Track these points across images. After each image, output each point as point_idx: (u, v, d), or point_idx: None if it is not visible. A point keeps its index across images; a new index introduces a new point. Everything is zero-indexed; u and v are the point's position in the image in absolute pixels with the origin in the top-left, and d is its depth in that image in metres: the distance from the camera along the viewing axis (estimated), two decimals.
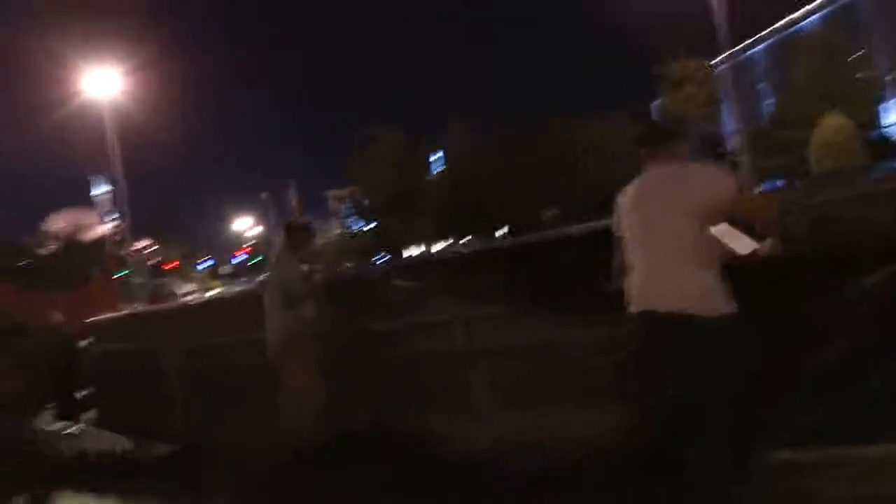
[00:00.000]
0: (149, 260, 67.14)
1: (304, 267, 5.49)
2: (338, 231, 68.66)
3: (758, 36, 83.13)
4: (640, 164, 3.32)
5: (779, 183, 45.70)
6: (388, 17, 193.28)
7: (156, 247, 68.55)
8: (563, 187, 51.61)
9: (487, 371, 4.92)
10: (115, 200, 41.10)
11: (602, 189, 46.68)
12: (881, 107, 55.96)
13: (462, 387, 4.99)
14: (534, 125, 53.38)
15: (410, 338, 5.21)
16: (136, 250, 54.12)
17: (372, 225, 63.37)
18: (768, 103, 65.82)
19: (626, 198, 3.35)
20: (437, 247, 54.28)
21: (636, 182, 3.31)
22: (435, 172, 62.53)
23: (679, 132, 3.35)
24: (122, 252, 50.69)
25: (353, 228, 66.77)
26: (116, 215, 61.04)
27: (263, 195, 66.60)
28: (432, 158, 64.43)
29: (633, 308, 3.18)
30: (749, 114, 66.03)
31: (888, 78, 56.70)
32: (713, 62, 42.91)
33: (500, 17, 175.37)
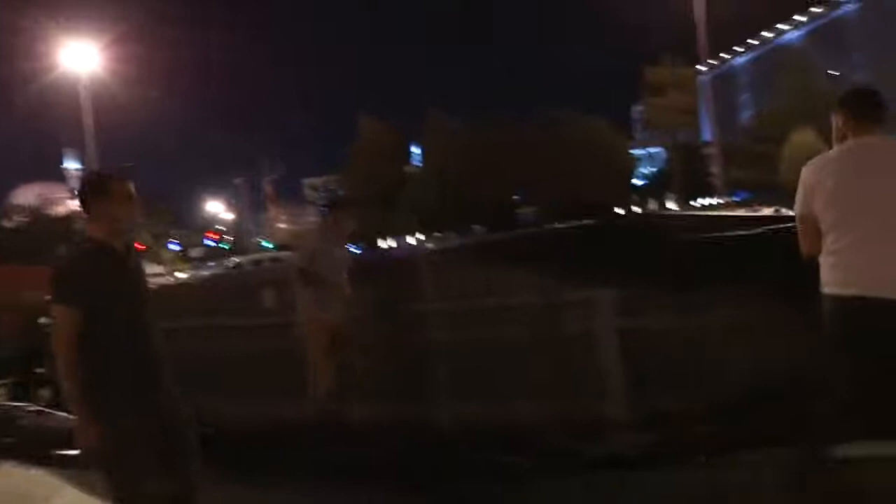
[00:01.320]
0: None
1: (342, 247, 5.35)
2: (312, 219, 68.22)
3: (742, 47, 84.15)
4: (840, 134, 3.08)
5: (746, 195, 46.68)
6: (374, 8, 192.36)
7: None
8: (542, 186, 51.82)
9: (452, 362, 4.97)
10: None
11: (578, 188, 46.75)
12: None
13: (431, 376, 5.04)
14: (513, 124, 53.44)
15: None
16: None
17: None
18: (747, 115, 66.68)
19: (828, 169, 3.01)
20: (412, 240, 54.15)
21: (844, 153, 3.02)
22: (415, 165, 62.36)
23: (883, 101, 3.10)
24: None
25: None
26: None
27: (237, 181, 65.81)
28: (414, 150, 64.21)
29: (853, 291, 2.84)
30: (729, 124, 66.93)
31: None
32: (697, 69, 43.35)
33: (484, 17, 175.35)
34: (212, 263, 57.91)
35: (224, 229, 75.15)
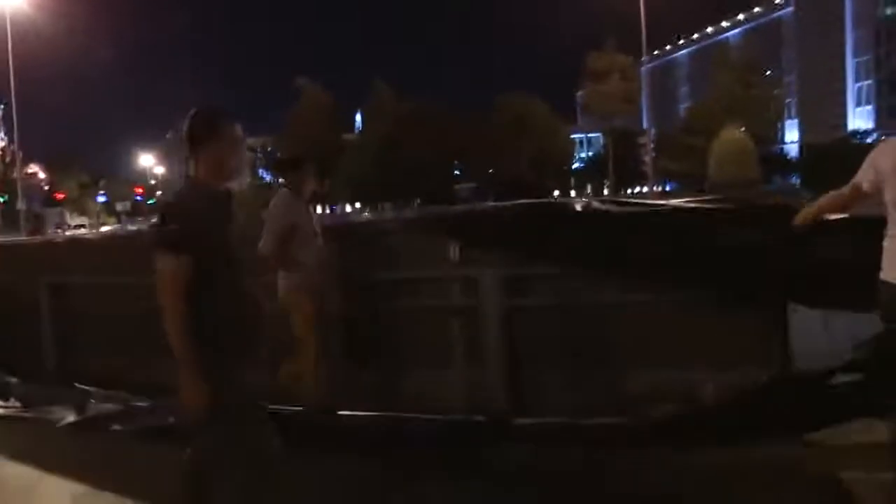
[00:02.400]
0: (40, 186, 62.88)
1: (307, 211, 4.53)
2: (249, 181, 66.52)
3: (683, 40, 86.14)
4: None
5: (675, 186, 47.98)
6: None
7: (46, 174, 64.24)
8: (482, 163, 52.06)
9: None
10: (5, 119, 38.09)
11: (519, 168, 46.95)
12: (787, 123, 59.57)
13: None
14: (457, 101, 53.33)
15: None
16: (27, 175, 50.34)
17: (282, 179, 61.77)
18: (684, 107, 68.38)
19: (889, 153, 2.90)
20: (349, 209, 53.68)
21: None
22: (356, 133, 61.58)
23: None
24: (9, 175, 47.16)
25: (265, 180, 65.12)
26: (3, 135, 56.79)
27: (169, 135, 63.31)
28: (357, 118, 63.28)
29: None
30: (666, 115, 68.56)
31: (787, 101, 60.37)
32: (642, 59, 44.12)
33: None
34: (141, 218, 55.75)
35: (154, 183, 72.59)
